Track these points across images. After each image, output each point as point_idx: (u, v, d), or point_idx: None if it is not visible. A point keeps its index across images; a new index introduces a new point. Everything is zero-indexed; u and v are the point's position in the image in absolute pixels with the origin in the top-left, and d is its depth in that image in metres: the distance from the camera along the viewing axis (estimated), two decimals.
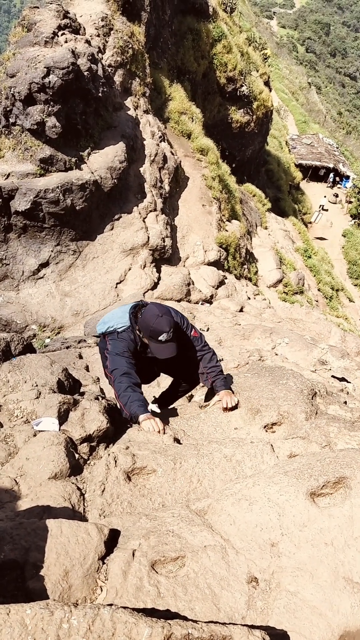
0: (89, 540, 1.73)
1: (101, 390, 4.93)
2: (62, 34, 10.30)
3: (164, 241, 11.53)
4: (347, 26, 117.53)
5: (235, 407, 3.21)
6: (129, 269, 10.88)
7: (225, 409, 3.21)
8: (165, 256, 11.66)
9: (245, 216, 18.35)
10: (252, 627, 1.39)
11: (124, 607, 1.36)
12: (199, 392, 4.86)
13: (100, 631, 1.28)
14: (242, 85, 20.84)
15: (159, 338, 2.93)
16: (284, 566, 1.69)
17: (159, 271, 11.34)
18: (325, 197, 34.68)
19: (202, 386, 4.43)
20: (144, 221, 11.53)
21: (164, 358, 3.02)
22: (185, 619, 1.47)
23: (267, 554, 1.73)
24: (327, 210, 33.64)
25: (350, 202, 34.13)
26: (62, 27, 10.38)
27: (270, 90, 26.33)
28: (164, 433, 2.85)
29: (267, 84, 24.62)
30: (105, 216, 11.01)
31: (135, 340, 3.12)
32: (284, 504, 1.83)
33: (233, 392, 3.36)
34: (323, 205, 34.01)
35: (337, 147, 42.92)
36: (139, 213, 11.56)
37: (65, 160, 9.95)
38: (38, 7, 10.94)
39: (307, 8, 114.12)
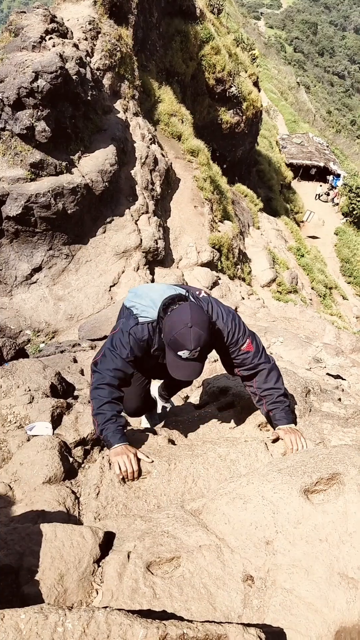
0: (84, 543, 1.72)
1: None
2: (50, 38, 10.29)
3: (156, 243, 11.54)
4: (334, 25, 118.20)
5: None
6: (123, 272, 10.87)
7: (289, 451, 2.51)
8: (158, 258, 11.67)
9: (237, 216, 18.39)
10: (248, 625, 1.39)
11: (119, 609, 1.35)
12: (195, 392, 4.87)
13: (95, 634, 1.27)
14: (231, 86, 20.89)
15: (178, 353, 2.28)
16: (279, 564, 1.69)
17: (152, 273, 11.34)
18: (321, 186, 34.84)
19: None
20: (136, 224, 11.53)
21: (177, 378, 2.39)
22: (181, 619, 1.47)
23: (262, 552, 1.73)
24: (327, 195, 33.79)
25: (336, 204, 34.27)
26: (49, 31, 10.37)
27: (260, 91, 26.42)
28: (135, 478, 2.33)
29: (256, 84, 24.69)
30: (97, 219, 11.00)
31: (151, 340, 2.51)
32: (278, 501, 1.83)
33: (296, 426, 2.66)
34: (319, 195, 34.13)
35: (327, 146, 43.09)
36: (131, 216, 11.56)
37: (56, 164, 9.94)
38: (25, 12, 10.92)
39: (294, 8, 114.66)
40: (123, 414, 2.59)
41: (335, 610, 1.58)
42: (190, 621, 1.35)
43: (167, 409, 3.77)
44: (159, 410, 3.73)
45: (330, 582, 1.63)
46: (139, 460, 2.40)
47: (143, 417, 3.71)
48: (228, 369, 2.76)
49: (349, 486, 1.84)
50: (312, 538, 1.73)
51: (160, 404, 3.69)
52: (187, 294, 2.52)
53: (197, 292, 2.65)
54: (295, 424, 2.66)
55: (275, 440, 2.59)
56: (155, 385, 3.62)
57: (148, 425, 3.58)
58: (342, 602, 1.59)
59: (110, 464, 2.38)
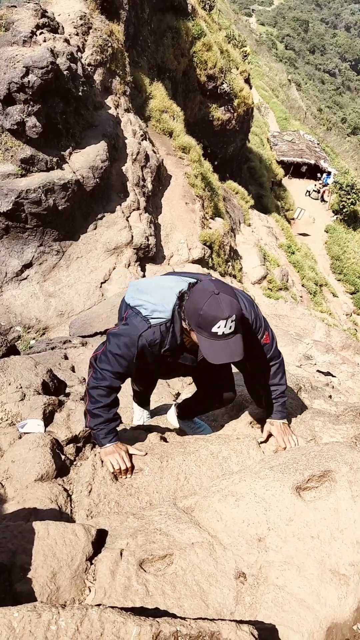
0: (76, 541, 1.72)
1: None
2: (41, 33, 10.21)
3: (148, 240, 11.52)
4: (325, 23, 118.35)
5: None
6: (114, 268, 10.84)
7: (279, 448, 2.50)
8: (149, 255, 11.65)
9: (228, 213, 18.40)
10: (241, 622, 1.40)
11: (112, 607, 1.36)
12: (186, 389, 4.87)
13: (88, 631, 1.28)
14: (222, 83, 20.86)
15: (213, 329, 1.94)
16: (271, 560, 1.70)
17: (143, 270, 11.33)
18: (315, 185, 34.99)
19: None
20: (127, 220, 11.50)
21: (222, 363, 2.01)
22: (174, 616, 1.47)
23: (254, 549, 1.74)
24: (318, 192, 33.93)
25: (326, 201, 34.41)
26: (40, 26, 10.29)
27: (251, 88, 26.40)
28: (127, 474, 2.34)
29: (247, 81, 24.67)
30: (88, 216, 10.96)
31: (163, 342, 2.22)
32: (270, 498, 1.84)
33: (290, 423, 2.62)
34: (310, 192, 34.25)
35: (318, 144, 43.18)
36: (122, 212, 11.53)
37: (47, 160, 9.88)
38: (16, 6, 10.82)
39: (285, 5, 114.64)
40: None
41: (326, 607, 1.59)
42: (183, 618, 1.36)
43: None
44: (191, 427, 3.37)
45: (321, 578, 1.64)
46: (131, 456, 2.40)
47: (171, 415, 3.29)
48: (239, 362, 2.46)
49: (341, 483, 1.85)
50: (303, 535, 1.74)
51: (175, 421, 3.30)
52: (202, 278, 2.25)
53: (210, 278, 2.34)
54: (289, 422, 2.63)
55: (266, 440, 2.58)
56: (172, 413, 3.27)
57: (176, 425, 3.24)
58: (333, 599, 1.60)
59: (102, 462, 2.38)
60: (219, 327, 1.94)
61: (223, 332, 1.95)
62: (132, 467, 2.36)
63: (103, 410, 2.31)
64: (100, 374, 2.28)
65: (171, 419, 3.25)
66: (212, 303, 1.94)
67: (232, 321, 1.95)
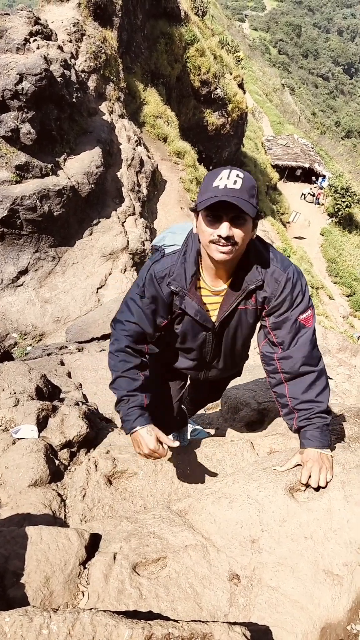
0: (70, 545, 1.72)
1: (84, 396, 4.91)
2: (34, 41, 10.26)
3: (143, 245, 11.54)
4: (317, 27, 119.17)
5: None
6: (110, 274, 10.86)
7: (307, 486, 1.85)
8: (145, 260, 11.67)
9: None
10: (234, 623, 1.40)
11: (104, 610, 1.35)
12: None
13: (80, 635, 1.27)
14: (216, 88, 20.97)
15: (214, 184, 1.63)
16: (264, 562, 1.70)
17: None
18: (311, 188, 35.15)
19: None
20: (122, 225, 11.52)
21: (212, 201, 1.60)
22: (167, 619, 1.47)
23: (247, 550, 1.74)
24: (313, 195, 34.07)
25: (321, 204, 34.57)
26: (33, 33, 10.34)
27: (245, 92, 26.54)
28: (158, 456, 1.92)
29: (241, 86, 24.80)
30: (83, 221, 10.98)
31: (172, 272, 1.87)
32: (263, 500, 1.84)
33: (331, 453, 1.92)
34: (305, 195, 34.40)
35: (312, 147, 43.39)
36: (118, 217, 11.56)
37: (41, 166, 9.91)
38: (9, 14, 10.88)
39: (278, 10, 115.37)
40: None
41: (320, 607, 1.59)
42: (176, 621, 1.35)
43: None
44: (189, 429, 3.15)
45: (315, 579, 1.64)
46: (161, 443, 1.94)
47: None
48: (267, 354, 2.02)
49: (334, 483, 1.85)
50: (297, 536, 1.74)
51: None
52: None
53: None
54: (331, 450, 1.95)
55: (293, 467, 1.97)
56: None
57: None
58: (327, 599, 1.60)
59: (96, 466, 2.38)
60: (220, 179, 1.64)
61: (225, 185, 1.62)
62: (164, 450, 1.93)
63: (121, 382, 1.98)
64: (115, 333, 2.02)
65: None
66: (218, 169, 1.69)
67: (238, 176, 1.63)
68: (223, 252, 1.71)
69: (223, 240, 1.68)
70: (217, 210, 1.65)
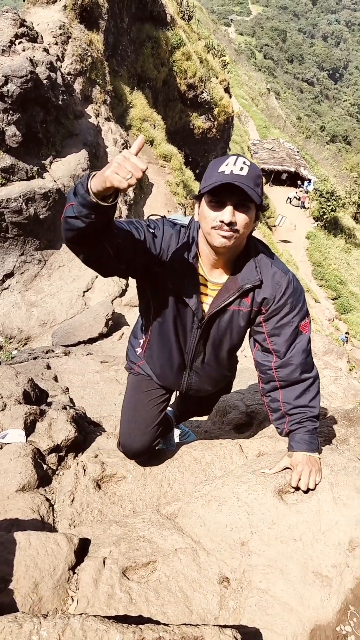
0: (59, 550, 1.71)
1: (70, 400, 4.88)
2: (20, 43, 10.22)
3: None
4: (302, 33, 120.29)
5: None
6: (96, 277, 10.82)
7: (296, 488, 1.87)
8: None
9: None
10: (224, 626, 1.40)
11: (95, 615, 1.35)
12: None
13: None
14: (202, 92, 21.06)
15: (219, 169, 1.61)
16: (254, 564, 1.70)
17: (126, 279, 11.32)
18: (297, 192, 35.40)
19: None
20: None
21: (218, 183, 1.56)
22: (158, 623, 1.47)
23: (237, 553, 1.74)
24: (297, 198, 34.33)
25: (307, 207, 34.85)
26: (19, 35, 10.30)
27: (231, 97, 26.67)
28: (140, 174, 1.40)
29: (227, 90, 24.94)
30: None
31: (179, 239, 1.82)
32: (252, 502, 1.85)
33: (319, 459, 1.93)
34: (290, 199, 34.66)
35: (297, 151, 43.76)
36: None
37: (27, 169, 9.86)
38: None
39: (263, 15, 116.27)
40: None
41: (310, 609, 1.59)
42: (167, 624, 1.35)
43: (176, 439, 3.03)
44: (176, 433, 3.07)
45: (304, 580, 1.65)
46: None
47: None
48: (263, 361, 1.99)
49: (322, 485, 1.86)
50: (286, 538, 1.75)
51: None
52: None
53: None
54: (319, 453, 1.96)
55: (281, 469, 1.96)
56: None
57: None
58: (316, 601, 1.61)
59: (85, 470, 2.37)
60: (227, 165, 1.61)
61: (232, 171, 1.59)
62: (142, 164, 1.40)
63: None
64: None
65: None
66: (226, 156, 1.66)
67: (245, 164, 1.61)
68: (224, 237, 1.67)
69: (226, 226, 1.65)
70: (221, 195, 1.62)
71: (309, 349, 1.93)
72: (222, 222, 1.64)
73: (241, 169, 1.59)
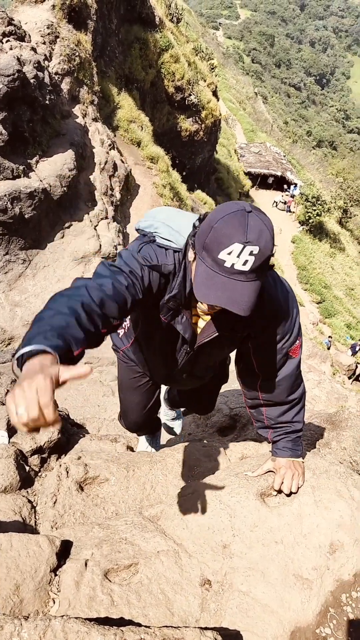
0: (40, 552, 1.70)
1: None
2: (7, 41, 10.15)
3: (116, 249, 11.49)
4: (290, 38, 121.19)
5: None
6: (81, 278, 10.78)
7: (278, 491, 1.89)
8: None
9: None
10: (205, 629, 1.41)
11: (76, 617, 1.34)
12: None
13: None
14: (190, 94, 21.10)
15: (221, 254, 1.32)
16: (236, 567, 1.72)
17: None
18: (283, 196, 35.65)
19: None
20: (95, 229, 11.46)
21: (212, 304, 1.37)
22: (139, 625, 1.47)
23: (219, 555, 1.75)
24: (283, 202, 34.58)
25: (292, 212, 35.11)
26: (6, 34, 10.23)
27: (218, 100, 26.77)
28: (45, 424, 0.99)
29: (214, 93, 25.01)
30: (55, 224, 10.88)
31: (176, 276, 1.60)
32: (235, 505, 1.86)
33: (302, 463, 1.93)
34: (277, 203, 34.88)
35: (284, 156, 44.01)
36: (90, 221, 11.49)
37: (13, 168, 9.79)
38: None
39: (251, 20, 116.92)
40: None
41: (290, 611, 1.61)
42: (148, 627, 1.36)
43: (174, 429, 3.10)
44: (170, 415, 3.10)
45: (285, 583, 1.67)
46: (60, 385, 1.06)
47: (142, 438, 2.95)
48: (247, 379, 1.93)
49: (304, 489, 1.88)
50: (268, 540, 1.76)
51: (166, 412, 3.06)
52: None
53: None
54: (302, 459, 1.94)
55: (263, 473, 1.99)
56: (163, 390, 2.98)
57: (147, 449, 2.88)
58: (297, 603, 1.63)
59: (67, 472, 2.36)
60: (229, 254, 1.31)
61: (232, 264, 1.31)
62: (55, 405, 1.01)
63: (64, 308, 1.29)
64: (102, 268, 1.57)
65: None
66: (234, 219, 1.31)
67: (252, 254, 1.30)
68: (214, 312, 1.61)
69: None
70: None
71: (298, 372, 1.84)
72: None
73: (245, 262, 1.31)
